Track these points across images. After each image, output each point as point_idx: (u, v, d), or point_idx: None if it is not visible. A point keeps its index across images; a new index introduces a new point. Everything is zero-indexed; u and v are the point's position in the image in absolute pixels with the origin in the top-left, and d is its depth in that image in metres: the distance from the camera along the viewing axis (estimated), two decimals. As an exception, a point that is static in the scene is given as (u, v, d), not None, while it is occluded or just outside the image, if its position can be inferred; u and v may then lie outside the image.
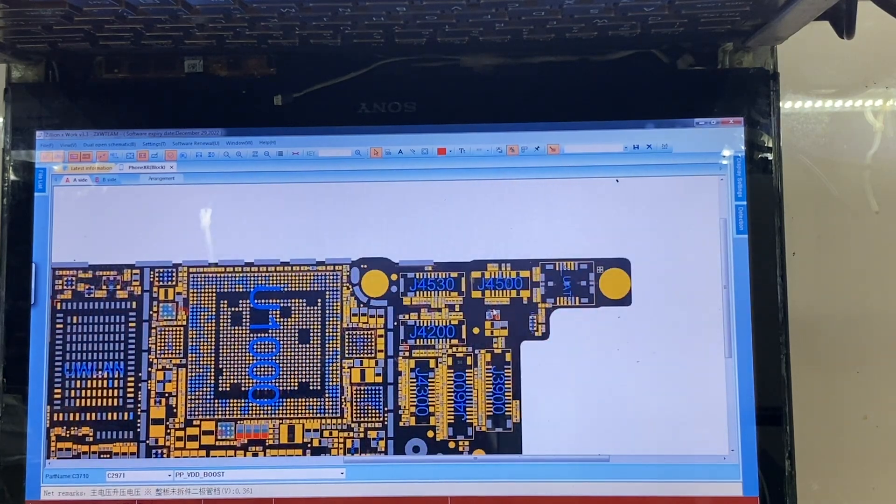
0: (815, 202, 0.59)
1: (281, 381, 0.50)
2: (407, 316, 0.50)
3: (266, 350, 0.50)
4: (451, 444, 0.49)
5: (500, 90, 0.51)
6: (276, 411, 0.49)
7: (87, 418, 0.50)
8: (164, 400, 0.50)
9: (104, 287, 0.50)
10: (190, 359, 0.50)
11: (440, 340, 0.49)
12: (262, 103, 0.51)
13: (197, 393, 0.50)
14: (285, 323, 0.50)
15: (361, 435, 0.49)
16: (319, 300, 0.50)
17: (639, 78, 0.51)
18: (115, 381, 0.50)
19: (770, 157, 0.50)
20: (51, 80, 0.52)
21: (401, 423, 0.49)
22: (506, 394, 0.49)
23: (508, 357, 0.49)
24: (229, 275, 0.50)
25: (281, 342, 0.50)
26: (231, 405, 0.50)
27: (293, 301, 0.50)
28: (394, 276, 0.50)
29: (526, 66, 0.52)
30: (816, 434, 0.57)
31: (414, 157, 0.51)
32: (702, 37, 0.49)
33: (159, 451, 0.49)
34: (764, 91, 0.50)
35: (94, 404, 0.50)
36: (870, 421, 0.59)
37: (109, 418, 0.50)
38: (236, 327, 0.50)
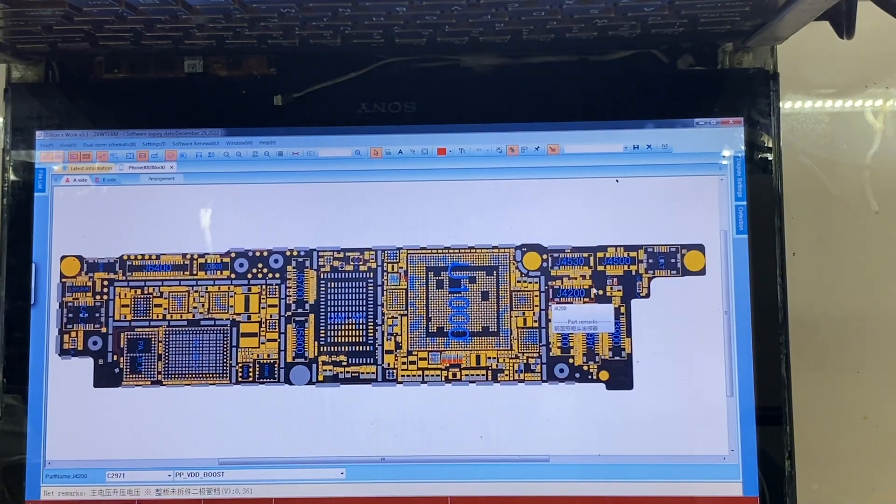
0: (815, 202, 0.59)
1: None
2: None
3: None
4: (585, 368, 0.49)
5: (500, 90, 0.51)
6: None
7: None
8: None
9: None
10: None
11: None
12: (262, 103, 0.51)
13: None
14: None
15: (524, 362, 0.50)
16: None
17: (639, 78, 0.51)
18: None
19: (770, 157, 0.50)
20: (51, 80, 0.52)
21: (550, 354, 0.50)
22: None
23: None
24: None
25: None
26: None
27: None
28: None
29: (526, 66, 0.52)
30: (816, 434, 0.57)
31: (414, 157, 0.51)
32: (702, 37, 0.49)
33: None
34: (764, 91, 0.50)
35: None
36: (870, 421, 0.59)
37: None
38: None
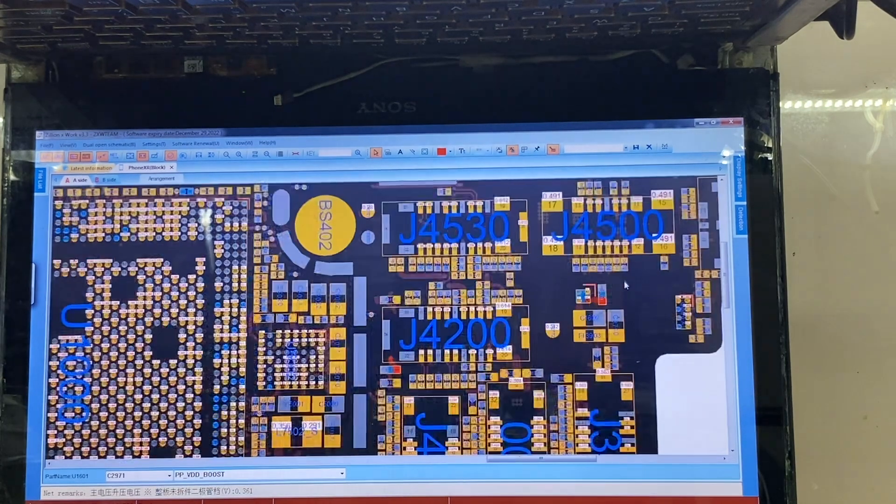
0: (815, 202, 0.59)
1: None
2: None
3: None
4: None
5: (500, 90, 0.51)
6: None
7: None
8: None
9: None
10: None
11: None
12: (262, 103, 0.51)
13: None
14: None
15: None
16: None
17: (639, 78, 0.51)
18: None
19: (770, 157, 0.50)
20: (51, 80, 0.52)
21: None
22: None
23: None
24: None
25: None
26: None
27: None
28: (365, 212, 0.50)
29: (526, 66, 0.52)
30: (816, 434, 0.57)
31: (414, 157, 0.51)
32: (702, 37, 0.49)
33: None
34: (764, 91, 0.50)
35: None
36: (870, 421, 0.59)
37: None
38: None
